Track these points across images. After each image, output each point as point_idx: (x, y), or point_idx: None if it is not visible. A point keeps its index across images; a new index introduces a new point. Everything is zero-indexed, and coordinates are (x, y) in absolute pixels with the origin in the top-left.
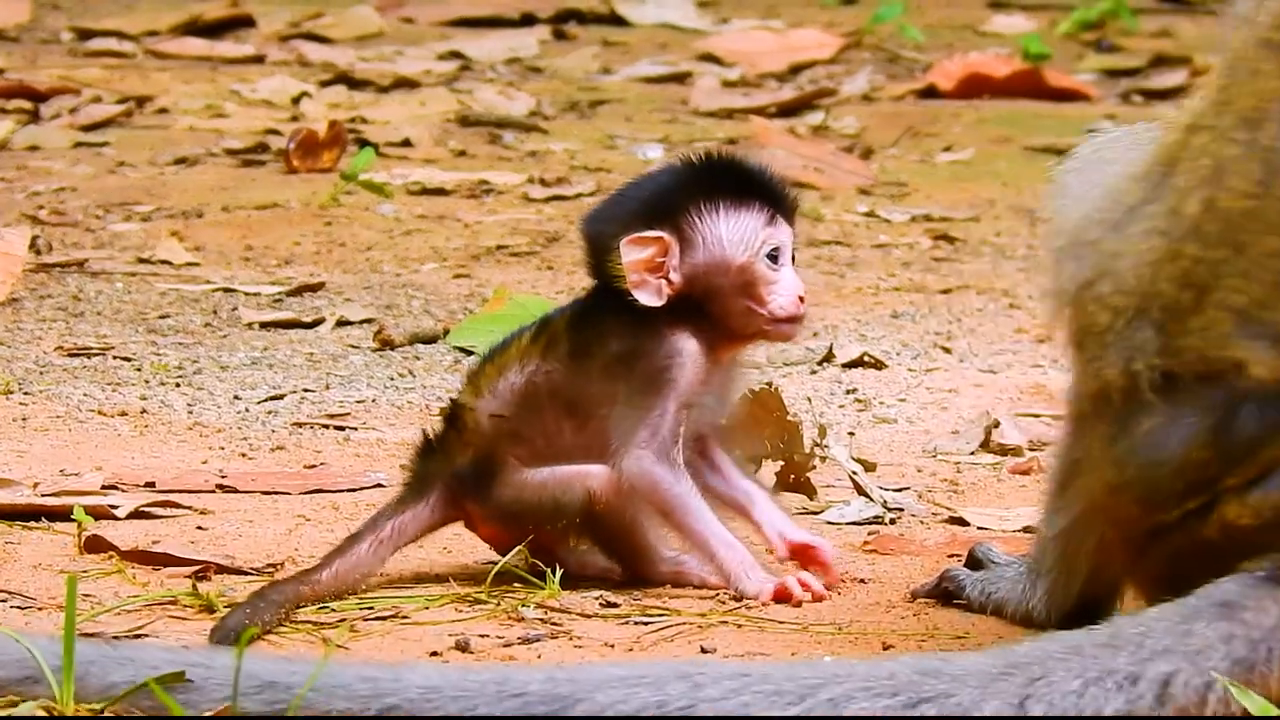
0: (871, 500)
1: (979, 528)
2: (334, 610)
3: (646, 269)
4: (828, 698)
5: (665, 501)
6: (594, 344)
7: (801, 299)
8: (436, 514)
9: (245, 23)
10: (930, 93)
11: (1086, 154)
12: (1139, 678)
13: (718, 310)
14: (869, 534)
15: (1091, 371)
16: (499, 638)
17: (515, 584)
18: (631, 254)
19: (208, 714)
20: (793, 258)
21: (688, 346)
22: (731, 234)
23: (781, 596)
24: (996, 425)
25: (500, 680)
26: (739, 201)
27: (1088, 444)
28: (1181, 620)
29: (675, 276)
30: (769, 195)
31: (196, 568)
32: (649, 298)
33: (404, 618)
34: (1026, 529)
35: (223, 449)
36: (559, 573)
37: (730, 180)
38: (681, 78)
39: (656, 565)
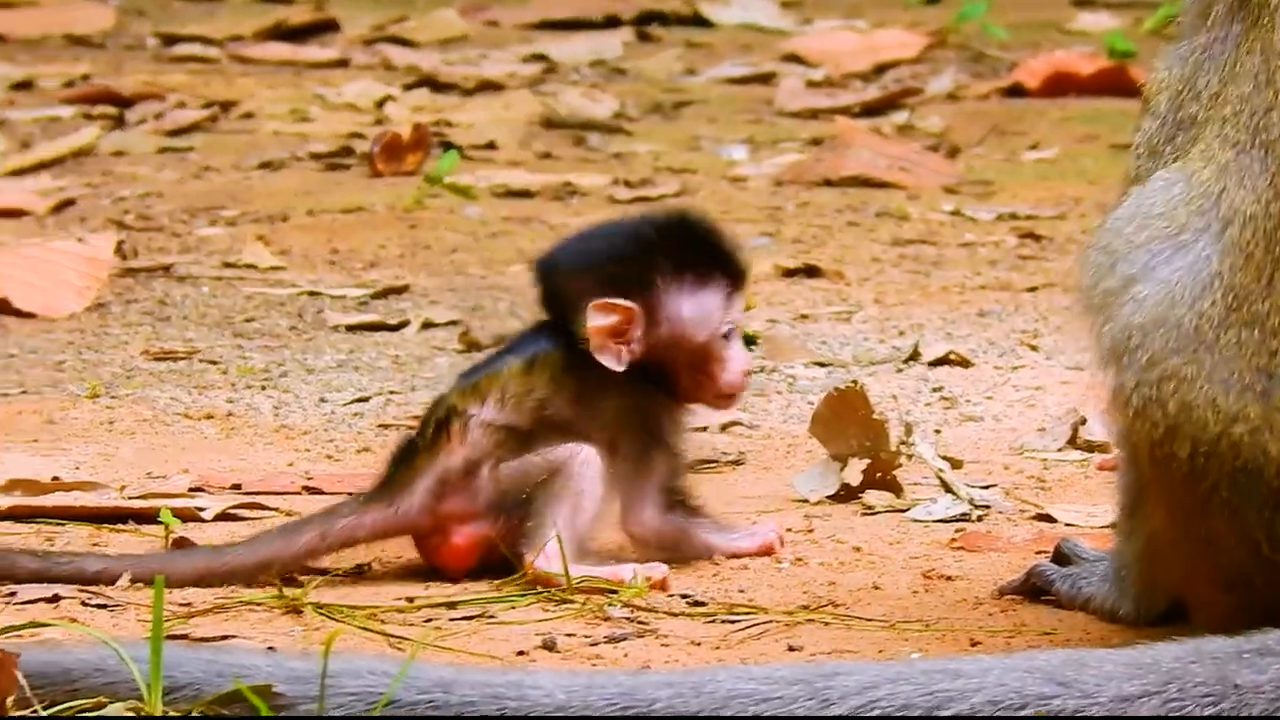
0: (958, 498)
1: (1066, 524)
2: (419, 607)
3: (610, 334)
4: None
5: (676, 545)
6: (598, 395)
7: (747, 373)
8: (403, 518)
9: (329, 27)
10: (1015, 91)
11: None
12: None
13: (670, 377)
14: (956, 531)
15: None
16: (586, 637)
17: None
18: (598, 319)
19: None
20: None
21: (674, 412)
22: (695, 313)
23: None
24: (1084, 422)
25: (628, 692)
26: (704, 277)
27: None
28: None
29: (637, 347)
30: (730, 270)
31: None
32: (610, 361)
33: (490, 617)
34: (1114, 525)
35: (309, 451)
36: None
37: (696, 252)
38: (766, 78)
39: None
